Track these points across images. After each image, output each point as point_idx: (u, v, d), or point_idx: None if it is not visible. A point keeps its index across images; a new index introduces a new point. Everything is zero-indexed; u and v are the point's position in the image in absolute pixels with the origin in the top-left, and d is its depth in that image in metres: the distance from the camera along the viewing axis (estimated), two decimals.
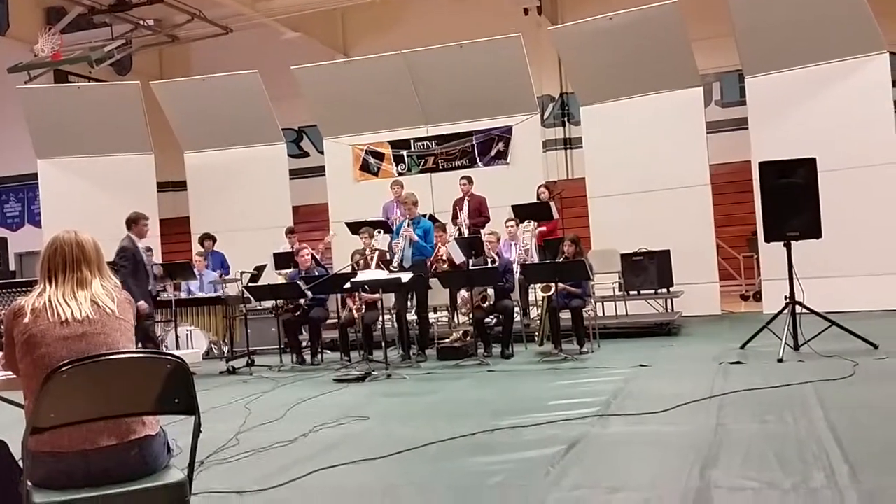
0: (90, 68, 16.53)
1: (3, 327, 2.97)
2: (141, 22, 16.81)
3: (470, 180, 11.37)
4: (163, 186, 15.02)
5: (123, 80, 17.04)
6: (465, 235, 10.73)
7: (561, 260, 8.96)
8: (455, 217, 11.28)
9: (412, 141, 13.23)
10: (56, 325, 2.79)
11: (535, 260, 10.37)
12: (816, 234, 7.58)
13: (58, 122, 13.47)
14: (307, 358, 9.60)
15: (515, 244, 10.11)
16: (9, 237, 16.49)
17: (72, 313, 2.82)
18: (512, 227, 10.15)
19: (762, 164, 7.89)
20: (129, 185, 13.61)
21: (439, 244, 9.97)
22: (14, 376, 2.96)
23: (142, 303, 8.54)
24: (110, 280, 3.00)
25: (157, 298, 10.43)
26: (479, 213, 11.20)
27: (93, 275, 2.94)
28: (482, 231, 10.53)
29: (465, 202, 11.27)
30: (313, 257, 10.55)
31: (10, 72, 15.60)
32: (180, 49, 19.39)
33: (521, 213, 10.66)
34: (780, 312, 7.74)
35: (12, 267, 16.00)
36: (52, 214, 13.50)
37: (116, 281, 3.05)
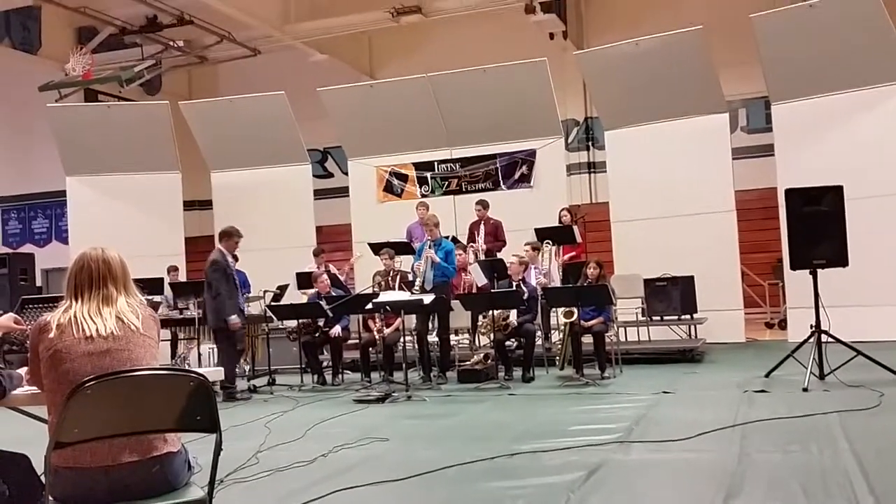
0: (120, 88, 16.75)
1: (28, 342, 2.99)
2: (171, 43, 17.04)
3: (485, 206, 11.38)
4: (189, 205, 15.16)
5: (153, 99, 17.24)
6: (482, 259, 10.74)
7: (583, 284, 8.93)
8: (472, 241, 11.30)
9: (436, 163, 13.27)
10: (81, 340, 2.81)
11: (557, 282, 10.34)
12: (843, 262, 7.50)
13: (87, 141, 13.65)
14: (328, 378, 9.60)
15: (535, 268, 10.08)
16: (36, 253, 16.68)
17: (97, 329, 2.83)
18: (529, 250, 10.12)
19: (788, 192, 7.83)
20: (156, 203, 13.76)
21: (462, 266, 9.98)
22: (38, 391, 2.98)
23: (234, 317, 8.71)
24: (136, 297, 3.02)
25: (184, 316, 10.52)
26: (496, 237, 11.22)
27: (118, 292, 2.96)
28: (499, 255, 10.53)
29: (482, 226, 11.29)
30: (335, 278, 10.57)
31: (41, 90, 15.84)
32: (209, 70, 19.62)
33: (544, 236, 10.65)
34: (805, 341, 7.65)
35: (38, 283, 16.16)
36: (80, 231, 13.65)
37: (142, 298, 3.07)
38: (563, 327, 9.06)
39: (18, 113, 18.90)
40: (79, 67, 15.56)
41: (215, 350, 10.60)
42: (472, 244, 11.21)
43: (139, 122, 13.78)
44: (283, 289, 11.19)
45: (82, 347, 2.80)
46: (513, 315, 8.95)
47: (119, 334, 2.85)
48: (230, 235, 9.09)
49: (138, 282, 3.11)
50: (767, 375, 7.89)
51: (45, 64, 16.15)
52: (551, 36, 16.65)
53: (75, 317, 2.86)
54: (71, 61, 15.63)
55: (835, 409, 6.05)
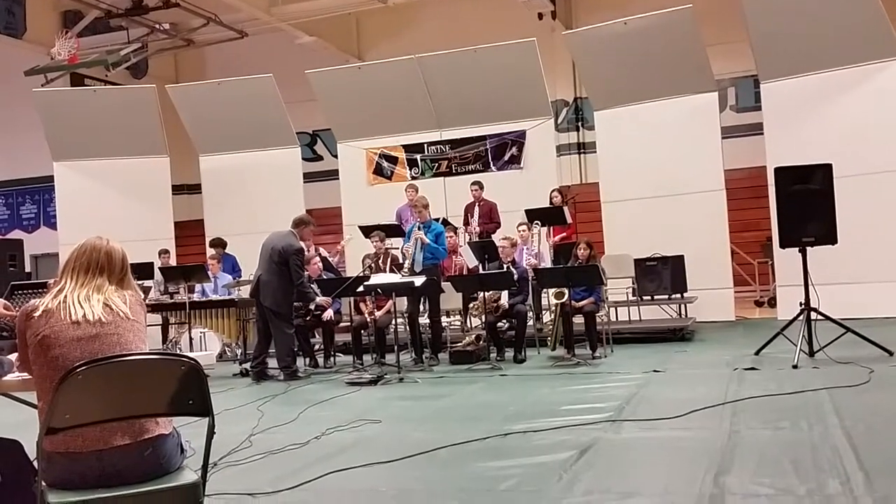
0: (106, 72, 16.63)
1: (16, 329, 2.98)
2: (157, 26, 16.92)
3: (480, 186, 11.36)
4: (177, 189, 15.10)
5: (139, 83, 17.14)
6: (473, 241, 10.74)
7: (574, 264, 8.94)
8: (466, 222, 11.29)
9: (426, 145, 13.24)
10: (69, 326, 2.80)
11: (547, 263, 10.35)
12: (832, 240, 7.54)
13: (74, 125, 13.56)
14: (320, 361, 9.61)
15: (527, 248, 10.10)
16: (24, 239, 16.56)
17: (84, 315, 2.83)
18: (524, 231, 10.13)
19: (778, 170, 7.85)
20: (145, 187, 13.70)
21: (453, 248, 9.97)
22: (29, 377, 2.97)
23: (322, 298, 9.08)
24: (130, 291, 3.01)
25: (175, 300, 10.51)
26: (490, 218, 11.20)
27: (111, 284, 2.96)
28: (493, 237, 10.53)
29: (476, 207, 11.28)
30: (326, 262, 10.55)
31: (27, 74, 15.71)
32: (196, 53, 19.49)
33: (534, 217, 10.66)
34: (795, 318, 7.70)
35: (28, 269, 16.08)
36: (68, 217, 13.60)
37: (139, 292, 3.08)
38: (554, 308, 9.09)
39: (4, 98, 18.74)
40: (64, 51, 15.43)
41: (205, 334, 10.63)
42: (467, 226, 11.21)
43: (126, 106, 13.69)
44: None
45: (70, 333, 2.79)
46: (504, 296, 8.96)
47: (107, 320, 2.85)
48: (306, 224, 8.99)
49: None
50: (757, 353, 7.93)
51: (31, 48, 16.02)
52: (540, 16, 16.62)
53: (64, 301, 2.86)
54: (56, 45, 15.50)
55: (824, 385, 6.09)
